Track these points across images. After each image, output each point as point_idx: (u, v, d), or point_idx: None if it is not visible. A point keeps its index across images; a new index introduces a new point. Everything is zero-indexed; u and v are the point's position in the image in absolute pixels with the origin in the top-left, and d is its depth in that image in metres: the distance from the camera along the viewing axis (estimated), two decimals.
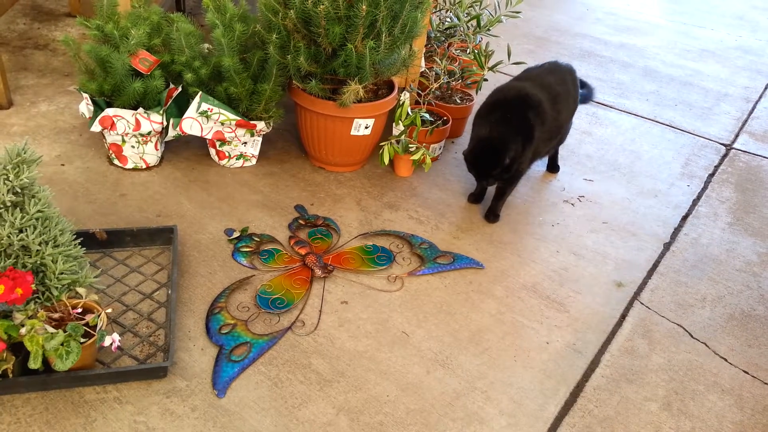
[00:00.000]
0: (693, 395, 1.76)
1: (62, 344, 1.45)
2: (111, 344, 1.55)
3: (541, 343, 1.86)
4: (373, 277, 2.03)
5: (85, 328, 1.51)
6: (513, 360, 1.79)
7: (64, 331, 1.46)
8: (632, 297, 2.10)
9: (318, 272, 2.00)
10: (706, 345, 1.95)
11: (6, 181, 1.44)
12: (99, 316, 1.54)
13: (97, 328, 1.53)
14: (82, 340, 1.49)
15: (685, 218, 2.57)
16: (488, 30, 2.71)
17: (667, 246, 2.38)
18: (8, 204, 1.46)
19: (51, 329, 1.45)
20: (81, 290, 1.58)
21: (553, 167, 2.75)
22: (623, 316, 2.02)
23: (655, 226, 2.49)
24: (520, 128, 2.17)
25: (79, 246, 1.65)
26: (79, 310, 1.55)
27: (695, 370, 1.85)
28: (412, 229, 2.28)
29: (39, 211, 1.50)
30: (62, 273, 1.55)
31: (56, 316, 1.52)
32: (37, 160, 1.50)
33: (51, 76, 2.95)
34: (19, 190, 1.47)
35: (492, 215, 2.39)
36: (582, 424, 1.63)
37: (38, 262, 1.52)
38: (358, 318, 1.87)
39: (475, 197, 2.49)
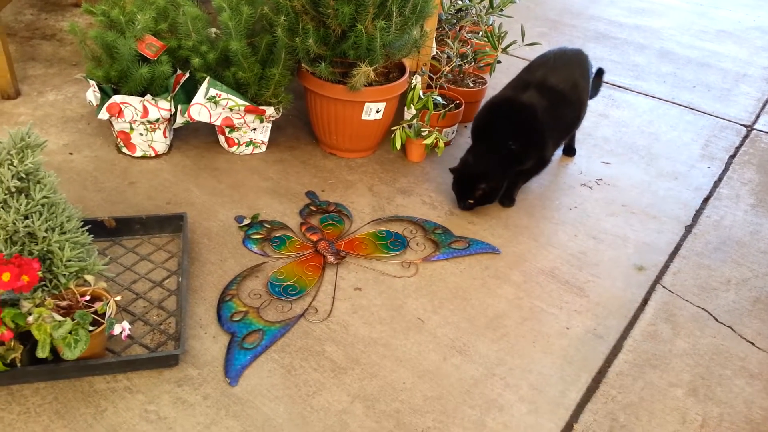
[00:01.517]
0: (720, 380, 1.70)
1: (70, 333, 1.41)
2: (121, 332, 1.52)
3: (561, 329, 1.81)
4: (386, 263, 1.98)
5: (93, 316, 1.47)
6: (532, 346, 1.74)
7: (72, 320, 1.42)
8: (654, 281, 2.04)
9: (330, 258, 1.95)
10: (731, 329, 1.88)
11: (10, 167, 1.41)
12: (108, 303, 1.50)
13: (106, 316, 1.49)
14: (91, 328, 1.45)
15: (706, 200, 2.50)
16: (501, 11, 2.64)
17: (688, 229, 2.32)
18: (13, 190, 1.42)
19: (59, 317, 1.42)
20: (89, 278, 1.55)
21: (569, 150, 2.68)
22: (645, 301, 1.96)
23: (675, 208, 2.42)
24: (503, 158, 2.14)
25: (87, 233, 1.62)
26: (88, 298, 1.52)
27: (721, 355, 1.79)
28: (425, 214, 2.23)
29: (45, 197, 1.47)
30: (69, 260, 1.51)
31: (64, 304, 1.49)
32: (42, 145, 1.46)
33: (58, 66, 2.92)
34: (24, 176, 1.43)
35: (507, 199, 2.33)
36: (605, 411, 1.58)
37: (45, 249, 1.48)
38: (372, 304, 1.83)
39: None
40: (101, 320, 1.49)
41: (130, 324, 1.61)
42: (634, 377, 1.69)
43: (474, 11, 2.70)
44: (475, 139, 2.25)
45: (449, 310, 1.84)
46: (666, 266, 2.11)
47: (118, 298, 1.57)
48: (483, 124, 2.22)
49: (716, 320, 1.91)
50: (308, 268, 1.92)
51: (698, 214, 2.41)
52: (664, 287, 2.02)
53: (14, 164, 1.41)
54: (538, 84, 2.21)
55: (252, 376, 1.57)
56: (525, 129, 2.14)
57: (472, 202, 2.18)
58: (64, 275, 1.51)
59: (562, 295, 1.93)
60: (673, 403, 1.62)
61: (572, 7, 4.61)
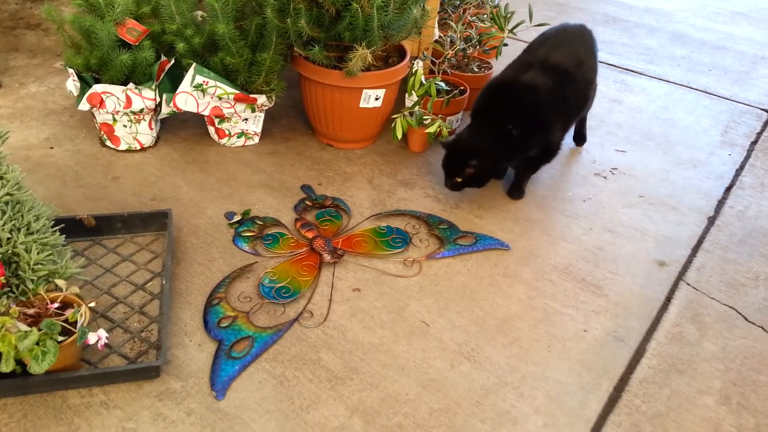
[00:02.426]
0: (754, 387, 1.55)
1: (37, 344, 1.28)
2: (97, 341, 1.38)
3: (578, 331, 1.66)
4: (387, 262, 1.84)
5: (64, 324, 1.34)
6: (547, 351, 1.60)
7: (39, 329, 1.29)
8: (677, 277, 1.89)
9: (327, 257, 1.81)
10: (763, 329, 1.73)
11: None
12: (79, 311, 1.36)
13: (78, 325, 1.35)
14: (61, 338, 1.32)
15: (728, 189, 2.34)
16: None
17: (711, 220, 2.16)
18: None
19: (24, 327, 1.28)
20: (60, 282, 1.41)
21: (579, 138, 2.50)
22: (668, 299, 1.81)
23: (696, 198, 2.26)
24: (502, 142, 1.97)
25: (58, 233, 1.48)
26: (58, 305, 1.38)
27: (754, 358, 1.64)
28: (429, 208, 2.09)
29: (8, 194, 1.33)
30: (38, 263, 1.38)
31: (31, 311, 1.35)
32: (4, 136, 1.32)
33: (42, 56, 2.78)
34: None
35: (516, 191, 2.18)
36: (629, 423, 1.43)
37: (9, 251, 1.34)
38: (372, 307, 1.68)
39: (497, 173, 2.28)
40: (73, 329, 1.35)
41: (108, 332, 1.48)
42: (659, 384, 1.54)
43: None
44: (473, 121, 2.09)
45: (456, 312, 1.69)
46: (689, 261, 1.96)
47: (93, 304, 1.43)
48: (481, 107, 2.05)
49: (746, 320, 1.76)
50: (303, 267, 1.77)
51: (721, 204, 2.25)
52: (687, 284, 1.87)
53: None
54: (540, 63, 2.05)
55: (240, 389, 1.43)
56: (527, 112, 1.97)
57: (459, 180, 2.00)
58: (31, 280, 1.38)
59: (578, 294, 1.79)
60: (703, 413, 1.48)
61: None
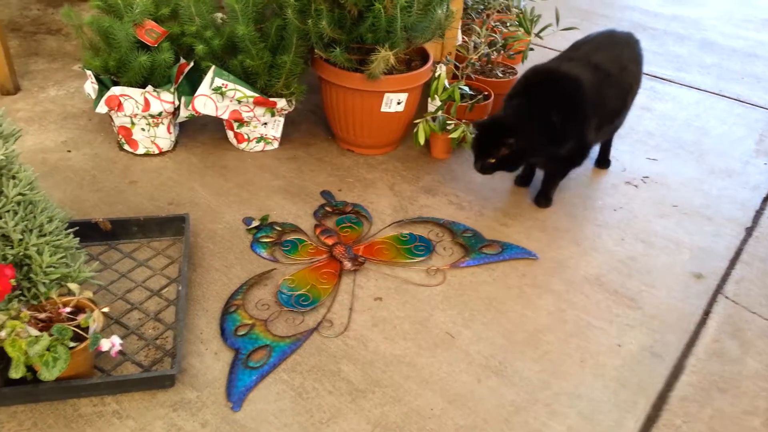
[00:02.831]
0: None
1: (48, 349, 1.23)
2: (110, 348, 1.32)
3: (612, 346, 1.58)
4: (410, 270, 1.77)
5: (76, 330, 1.28)
6: (580, 366, 1.51)
7: (50, 334, 1.24)
8: (715, 290, 1.79)
9: (347, 264, 1.74)
10: None
11: None
12: (91, 316, 1.31)
13: (90, 330, 1.30)
14: (73, 344, 1.27)
15: (766, 200, 2.24)
16: None
17: (749, 231, 2.06)
18: None
19: (35, 332, 1.23)
20: (73, 286, 1.35)
21: (603, 162, 2.36)
22: (706, 313, 1.71)
23: (732, 209, 2.17)
24: (540, 126, 1.87)
25: (72, 236, 1.43)
26: (70, 310, 1.33)
27: None
28: (452, 215, 2.02)
29: (20, 194, 1.28)
30: (50, 266, 1.33)
31: (43, 316, 1.30)
32: (16, 134, 1.28)
33: (62, 61, 2.76)
34: None
35: (543, 199, 2.10)
36: None
37: (21, 253, 1.30)
38: (395, 317, 1.61)
39: (523, 180, 2.20)
40: (85, 335, 1.30)
41: (122, 338, 1.42)
42: (700, 403, 1.45)
43: None
44: (508, 103, 1.99)
45: (482, 323, 1.61)
46: (727, 273, 1.87)
47: (106, 309, 1.37)
48: (520, 91, 1.96)
49: None
50: (323, 275, 1.71)
51: (758, 215, 2.15)
52: (726, 297, 1.77)
53: None
54: (583, 59, 1.98)
55: (257, 400, 1.37)
56: (568, 101, 1.89)
57: (492, 161, 1.89)
58: (43, 283, 1.33)
59: (611, 306, 1.70)
60: None
61: None
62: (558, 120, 1.86)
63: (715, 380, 1.51)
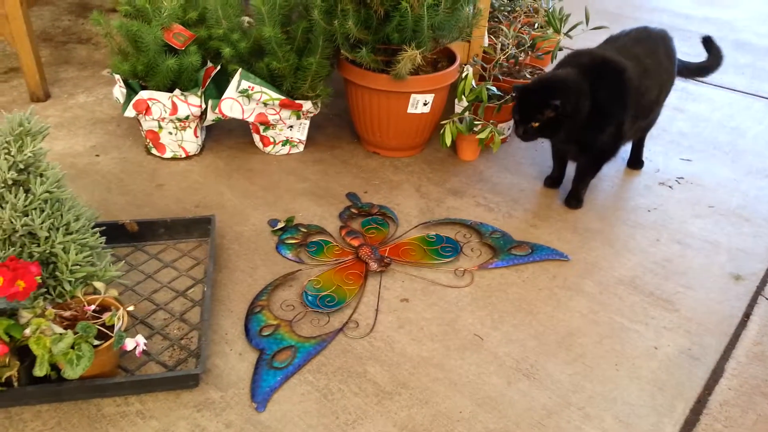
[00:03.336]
0: None
1: (72, 347, 1.22)
2: (135, 348, 1.31)
3: (648, 349, 1.52)
4: (437, 271, 1.74)
5: (101, 328, 1.28)
6: (614, 369, 1.45)
7: (75, 332, 1.23)
8: (755, 292, 1.72)
9: (373, 266, 1.72)
10: None
11: (7, 156, 1.23)
12: (117, 314, 1.30)
13: (115, 329, 1.29)
14: (97, 342, 1.26)
15: None
16: None
17: None
18: (10, 183, 1.24)
19: (59, 329, 1.23)
20: (98, 285, 1.35)
21: (636, 163, 2.30)
22: (747, 315, 1.64)
23: None
24: (587, 90, 1.81)
25: (99, 235, 1.43)
26: (94, 308, 1.32)
27: None
28: (480, 216, 1.98)
29: (47, 191, 1.29)
30: (76, 264, 1.33)
31: (68, 314, 1.30)
32: (44, 132, 1.28)
33: (92, 69, 2.81)
34: (23, 167, 1.26)
35: (574, 200, 2.05)
36: None
37: (47, 251, 1.30)
38: (421, 318, 1.58)
39: (552, 181, 2.16)
40: (110, 333, 1.29)
41: (147, 338, 1.41)
42: (742, 408, 1.38)
43: None
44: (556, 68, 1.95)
45: (512, 325, 1.57)
46: (767, 275, 1.79)
47: (131, 308, 1.37)
48: (569, 61, 1.91)
49: None
50: (348, 276, 1.68)
51: None
52: (767, 299, 1.70)
53: (12, 153, 1.23)
54: (623, 50, 1.94)
55: (282, 401, 1.34)
56: (614, 83, 1.83)
57: (536, 125, 1.80)
58: (69, 281, 1.33)
59: (647, 308, 1.64)
60: None
61: None
62: (604, 97, 1.80)
63: (757, 384, 1.44)
